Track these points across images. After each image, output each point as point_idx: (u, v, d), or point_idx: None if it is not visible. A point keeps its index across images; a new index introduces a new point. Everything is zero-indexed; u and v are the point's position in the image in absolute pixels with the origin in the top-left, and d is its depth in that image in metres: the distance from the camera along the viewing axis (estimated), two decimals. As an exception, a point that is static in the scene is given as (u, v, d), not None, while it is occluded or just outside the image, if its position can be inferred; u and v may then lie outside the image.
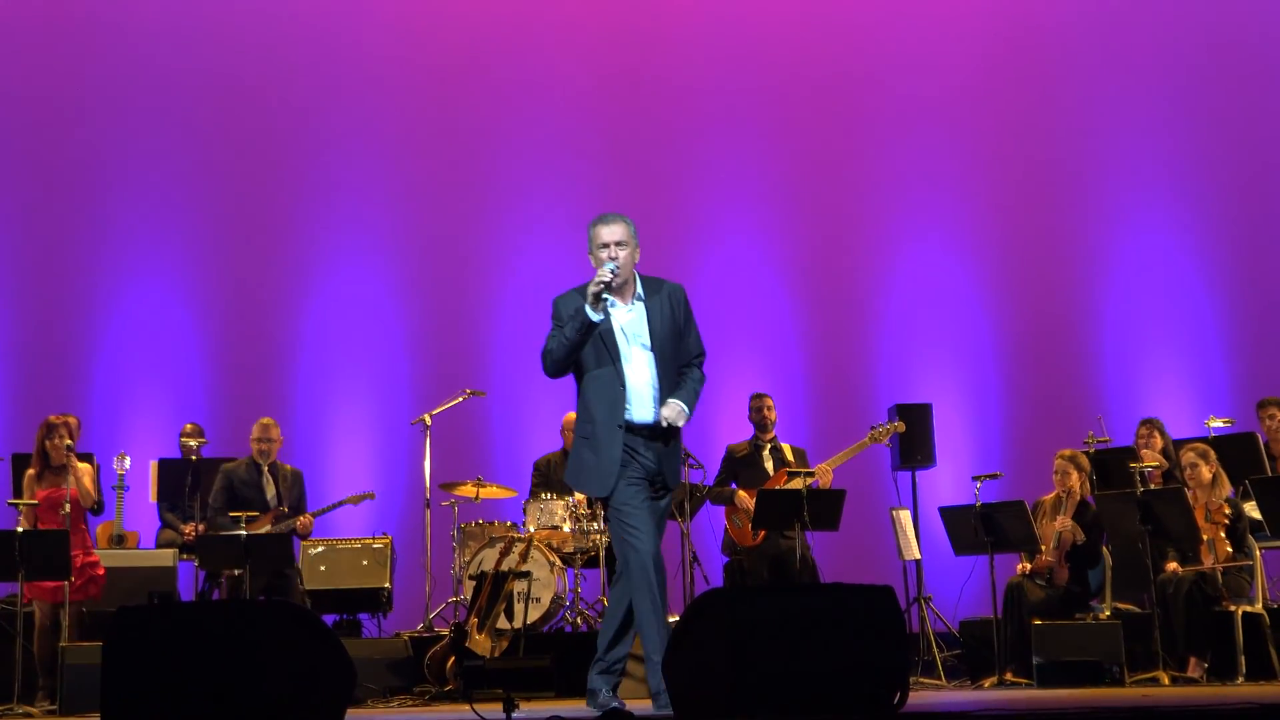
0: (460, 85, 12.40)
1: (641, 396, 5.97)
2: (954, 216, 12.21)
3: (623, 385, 5.95)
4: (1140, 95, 12.25)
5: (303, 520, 9.78)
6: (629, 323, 6.02)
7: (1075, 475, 8.90)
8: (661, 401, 5.97)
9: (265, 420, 10.05)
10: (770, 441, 10.24)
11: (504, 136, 12.42)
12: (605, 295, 5.89)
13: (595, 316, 5.89)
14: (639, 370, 5.98)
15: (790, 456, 10.13)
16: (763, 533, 9.77)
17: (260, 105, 12.25)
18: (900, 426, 10.08)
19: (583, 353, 5.97)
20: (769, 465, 10.11)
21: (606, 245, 5.94)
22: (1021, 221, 12.17)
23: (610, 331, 5.99)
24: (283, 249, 12.19)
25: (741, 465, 10.22)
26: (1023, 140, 12.29)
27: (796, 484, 9.51)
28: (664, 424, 5.94)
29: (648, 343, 6.01)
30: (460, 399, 10.61)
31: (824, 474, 9.69)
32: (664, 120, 12.41)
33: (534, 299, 12.15)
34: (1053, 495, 8.97)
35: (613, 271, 5.87)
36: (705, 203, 12.30)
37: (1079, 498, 8.90)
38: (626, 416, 5.94)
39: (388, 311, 12.19)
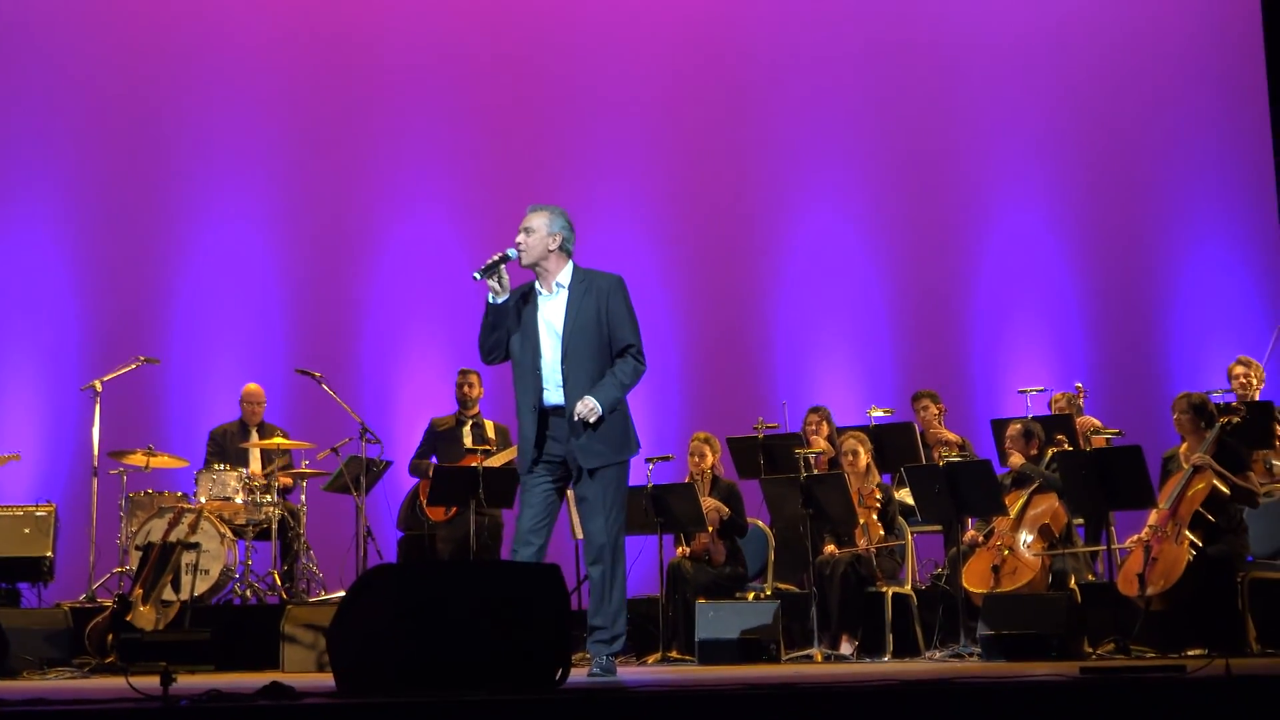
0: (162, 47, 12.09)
1: (553, 382, 6.32)
2: (636, 200, 12.39)
3: (537, 371, 6.32)
4: (821, 83, 12.59)
5: None
6: (548, 310, 6.39)
7: (710, 456, 9.33)
8: (568, 388, 6.28)
9: None
10: (473, 417, 10.38)
11: (187, 95, 12.13)
12: (491, 277, 6.24)
13: (491, 299, 6.30)
14: (551, 356, 6.34)
15: (492, 434, 10.28)
16: (455, 509, 9.83)
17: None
18: None
19: (513, 340, 6.36)
20: (468, 440, 10.21)
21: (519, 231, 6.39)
22: (702, 208, 12.41)
23: (533, 319, 6.37)
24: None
25: (442, 439, 10.36)
26: (706, 121, 12.52)
27: (502, 458, 9.75)
28: (575, 418, 6.19)
29: (559, 330, 6.33)
30: (133, 365, 10.34)
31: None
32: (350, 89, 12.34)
33: (213, 269, 11.94)
34: (688, 477, 9.33)
35: (506, 255, 6.28)
36: (396, 177, 12.27)
37: (711, 476, 9.28)
38: (542, 400, 6.32)
39: (59, 273, 11.77)
